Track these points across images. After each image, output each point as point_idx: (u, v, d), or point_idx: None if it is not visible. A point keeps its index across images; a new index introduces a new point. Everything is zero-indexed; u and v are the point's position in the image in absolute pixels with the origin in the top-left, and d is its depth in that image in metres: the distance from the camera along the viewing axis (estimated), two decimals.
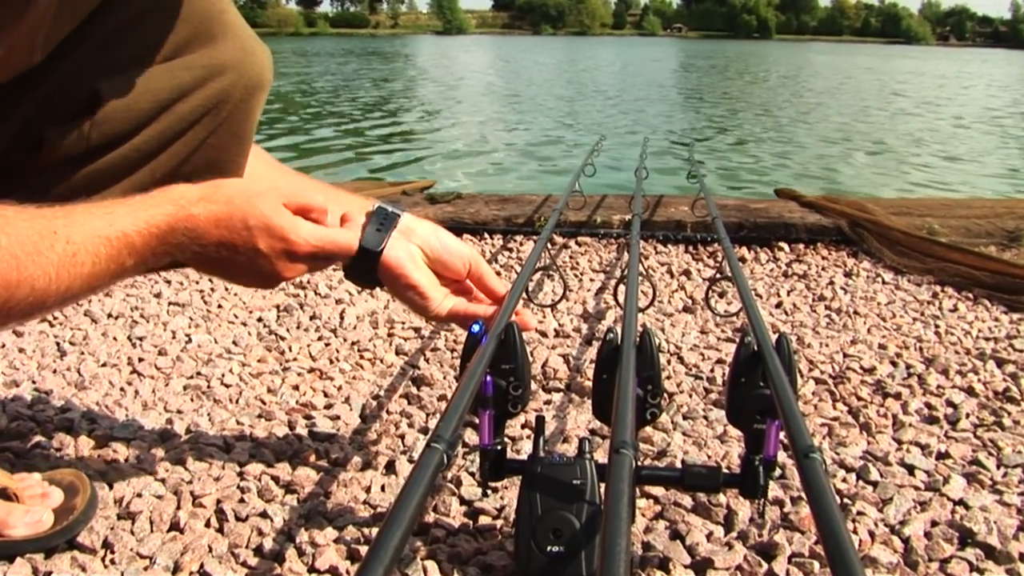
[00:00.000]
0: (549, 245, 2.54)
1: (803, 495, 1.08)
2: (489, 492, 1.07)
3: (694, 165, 2.87)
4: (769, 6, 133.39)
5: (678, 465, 1.18)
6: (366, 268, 0.99)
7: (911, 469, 1.16)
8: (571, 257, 2.40)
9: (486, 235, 2.68)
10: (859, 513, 1.05)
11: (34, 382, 1.46)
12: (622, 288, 1.24)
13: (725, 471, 0.92)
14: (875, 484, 1.12)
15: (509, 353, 0.89)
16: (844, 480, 1.14)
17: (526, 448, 1.22)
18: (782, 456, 1.19)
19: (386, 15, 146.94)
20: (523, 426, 1.31)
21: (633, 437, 0.65)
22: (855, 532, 1.00)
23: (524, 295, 1.58)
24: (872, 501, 1.08)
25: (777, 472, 1.16)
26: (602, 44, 66.83)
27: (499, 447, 0.92)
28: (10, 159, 0.84)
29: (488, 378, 0.85)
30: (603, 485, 0.90)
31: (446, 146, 8.02)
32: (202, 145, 0.90)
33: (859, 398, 1.40)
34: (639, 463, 0.92)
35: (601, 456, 1.03)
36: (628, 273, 1.16)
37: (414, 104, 12.73)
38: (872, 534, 1.01)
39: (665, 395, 1.43)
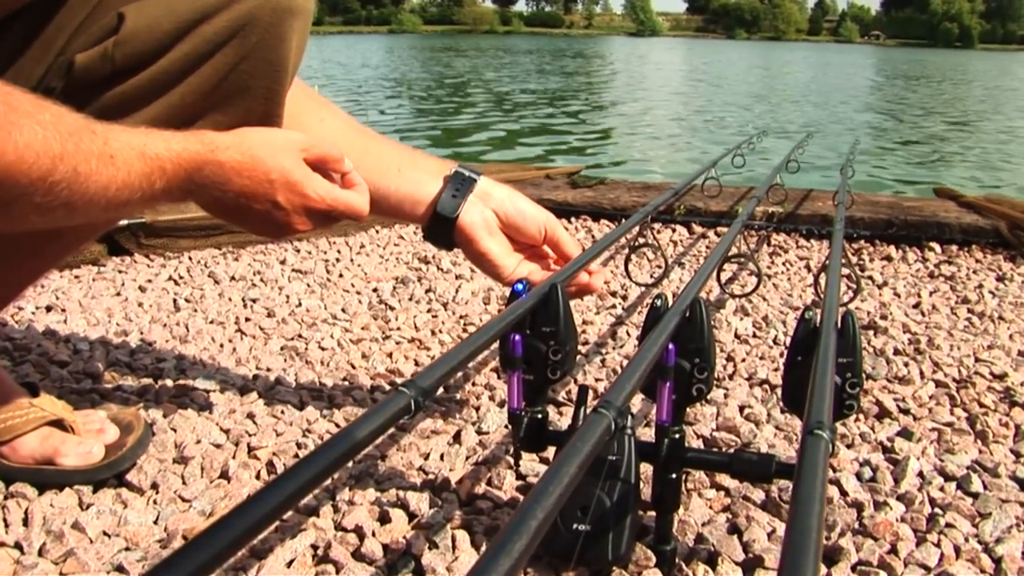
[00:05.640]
0: (657, 232, 2.46)
1: (888, 501, 0.97)
2: (520, 461, 1.02)
3: (849, 161, 2.71)
4: (973, 14, 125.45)
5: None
6: (442, 232, 1.03)
7: (1022, 484, 1.03)
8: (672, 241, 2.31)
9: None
10: (948, 525, 0.93)
11: (141, 333, 1.51)
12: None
13: (780, 461, 0.83)
14: (975, 496, 1.00)
15: (551, 314, 0.83)
16: (941, 489, 1.02)
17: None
18: (876, 458, 1.09)
19: (580, 15, 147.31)
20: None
21: (623, 402, 0.58)
22: (938, 545, 0.89)
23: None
24: (967, 514, 0.95)
25: (868, 473, 1.05)
26: (796, 49, 64.94)
27: (539, 415, 0.87)
28: (48, 89, 0.85)
29: (517, 337, 0.80)
30: (643, 464, 0.84)
31: (615, 137, 7.98)
32: (233, 70, 0.88)
33: (981, 405, 1.26)
34: (687, 446, 0.84)
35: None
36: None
37: (589, 97, 12.73)
38: (957, 549, 0.89)
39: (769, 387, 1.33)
